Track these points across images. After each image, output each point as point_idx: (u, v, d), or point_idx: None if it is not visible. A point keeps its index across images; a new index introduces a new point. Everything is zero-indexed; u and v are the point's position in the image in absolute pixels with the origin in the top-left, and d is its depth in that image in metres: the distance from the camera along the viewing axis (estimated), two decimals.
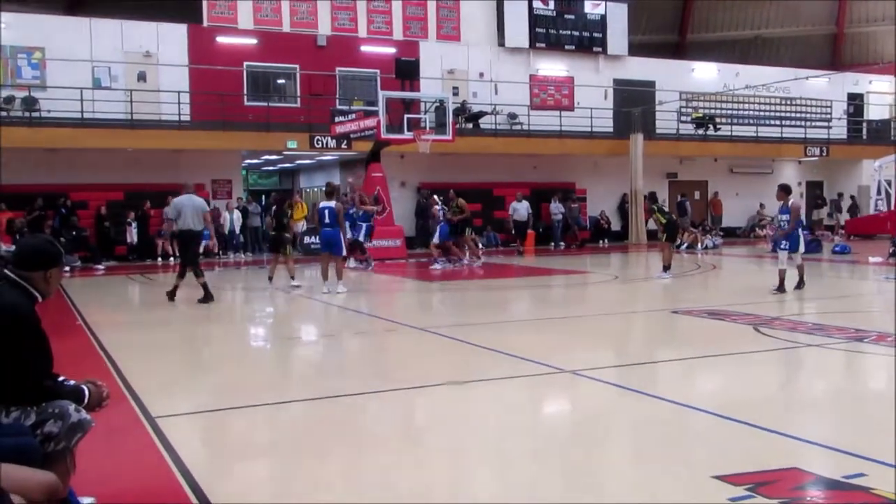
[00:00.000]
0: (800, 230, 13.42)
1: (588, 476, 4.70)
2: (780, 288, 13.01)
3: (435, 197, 20.57)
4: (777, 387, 7.38)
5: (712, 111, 32.07)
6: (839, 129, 34.65)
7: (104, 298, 13.33)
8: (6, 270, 3.85)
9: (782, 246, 13.31)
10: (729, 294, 14.47)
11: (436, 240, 19.93)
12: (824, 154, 32.70)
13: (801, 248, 13.37)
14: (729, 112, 32.73)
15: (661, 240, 17.19)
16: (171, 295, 13.18)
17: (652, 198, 18.06)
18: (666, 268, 16.48)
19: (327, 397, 6.76)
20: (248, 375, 7.89)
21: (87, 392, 3.87)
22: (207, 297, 13.01)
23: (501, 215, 28.07)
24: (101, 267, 21.00)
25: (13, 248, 9.88)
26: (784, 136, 32.68)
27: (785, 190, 13.45)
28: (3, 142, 20.81)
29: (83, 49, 23.38)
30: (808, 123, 33.39)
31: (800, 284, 13.28)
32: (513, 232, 26.66)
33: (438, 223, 19.72)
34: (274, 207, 17.51)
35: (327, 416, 6.27)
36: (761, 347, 8.77)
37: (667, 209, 19.36)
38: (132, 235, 23.38)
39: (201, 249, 22.65)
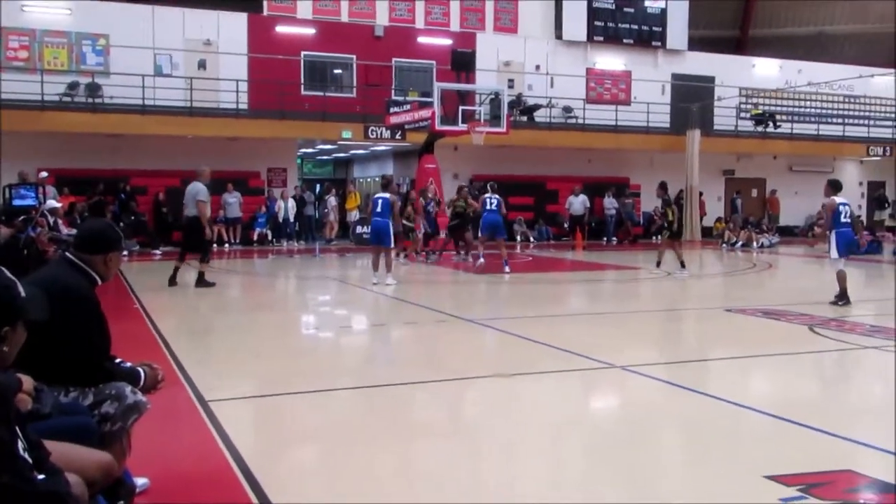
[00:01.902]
0: (833, 233, 11.46)
1: (636, 473, 4.65)
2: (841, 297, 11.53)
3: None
4: (832, 388, 7.26)
5: (772, 108, 31.49)
6: None
7: (161, 283, 13.55)
8: (67, 253, 3.95)
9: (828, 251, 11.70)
10: (784, 293, 14.23)
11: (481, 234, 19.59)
12: (888, 154, 31.90)
13: (834, 253, 11.51)
14: (790, 109, 32.09)
15: (663, 237, 16.18)
16: (172, 280, 13.40)
17: (663, 187, 16.40)
18: (683, 264, 16.01)
19: (376, 386, 6.81)
20: (298, 363, 7.98)
21: (143, 374, 3.96)
22: (200, 283, 13.34)
23: (554, 209, 27.96)
24: (158, 252, 21.35)
25: (73, 231, 10.11)
26: (846, 134, 31.98)
27: (833, 186, 11.73)
28: (68, 126, 21.34)
29: (146, 36, 23.76)
30: (872, 122, 32.60)
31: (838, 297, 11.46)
32: (566, 226, 26.52)
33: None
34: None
35: (375, 404, 6.31)
36: (817, 348, 8.64)
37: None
38: None
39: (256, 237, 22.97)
